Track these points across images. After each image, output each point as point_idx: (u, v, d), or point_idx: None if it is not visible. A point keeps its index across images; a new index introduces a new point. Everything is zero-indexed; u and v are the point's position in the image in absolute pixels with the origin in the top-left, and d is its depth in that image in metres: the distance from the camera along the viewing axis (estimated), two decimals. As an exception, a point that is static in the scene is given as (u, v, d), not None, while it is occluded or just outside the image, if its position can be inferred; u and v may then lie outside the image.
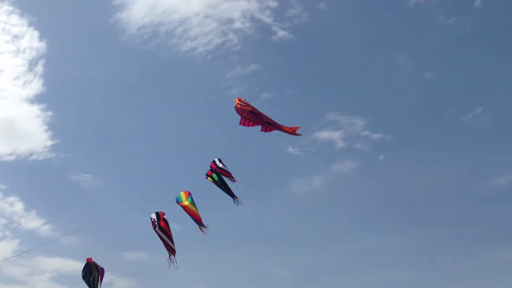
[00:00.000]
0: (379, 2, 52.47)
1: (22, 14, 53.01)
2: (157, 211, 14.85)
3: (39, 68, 53.30)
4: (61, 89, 58.04)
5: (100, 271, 15.45)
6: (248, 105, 14.73)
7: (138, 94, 58.06)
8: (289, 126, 14.85)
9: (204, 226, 14.75)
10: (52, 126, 55.86)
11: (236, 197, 15.04)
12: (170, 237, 14.77)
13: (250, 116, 14.68)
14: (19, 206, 61.81)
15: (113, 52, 56.09)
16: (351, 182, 53.86)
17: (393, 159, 51.26)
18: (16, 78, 54.29)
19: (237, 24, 49.95)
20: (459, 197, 45.36)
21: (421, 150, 49.98)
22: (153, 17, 51.62)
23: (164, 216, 14.84)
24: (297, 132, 14.81)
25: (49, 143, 59.26)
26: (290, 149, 52.07)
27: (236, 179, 14.95)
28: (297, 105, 55.14)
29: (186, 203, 14.79)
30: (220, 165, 14.99)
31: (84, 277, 15.29)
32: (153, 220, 14.69)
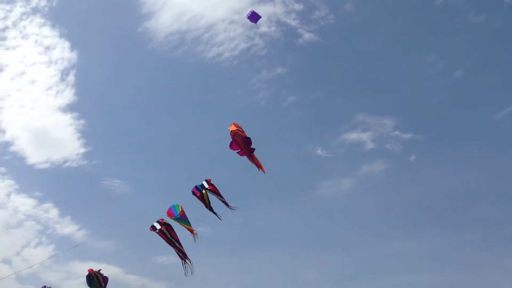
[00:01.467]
0: (406, 1, 51.46)
1: (53, 26, 54.56)
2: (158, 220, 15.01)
3: (71, 78, 54.79)
4: (92, 97, 59.39)
5: (103, 279, 15.73)
6: (243, 131, 15.38)
7: (166, 101, 58.73)
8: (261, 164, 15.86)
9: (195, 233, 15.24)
10: (84, 134, 57.33)
11: (230, 206, 15.71)
12: (177, 241, 15.18)
13: (242, 142, 15.27)
14: (54, 213, 63.13)
15: (142, 60, 57.04)
16: (381, 183, 52.87)
17: (425, 159, 49.88)
18: (49, 88, 55.85)
19: (263, 28, 49.74)
20: (494, 197, 43.68)
21: (453, 149, 48.40)
22: (180, 25, 52.06)
23: (164, 221, 15.03)
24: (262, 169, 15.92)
25: (82, 150, 60.66)
26: (319, 151, 51.66)
27: (231, 207, 15.68)
28: (324, 107, 54.61)
29: (179, 218, 15.11)
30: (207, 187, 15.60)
31: (90, 285, 15.62)
32: (157, 228, 14.89)
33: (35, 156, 60.52)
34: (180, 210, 15.21)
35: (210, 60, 53.37)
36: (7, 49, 54.88)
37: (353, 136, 48.31)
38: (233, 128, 15.37)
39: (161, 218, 14.97)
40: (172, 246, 15.10)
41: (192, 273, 14.95)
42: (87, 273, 15.69)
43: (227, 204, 15.78)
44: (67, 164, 57.11)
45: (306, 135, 53.92)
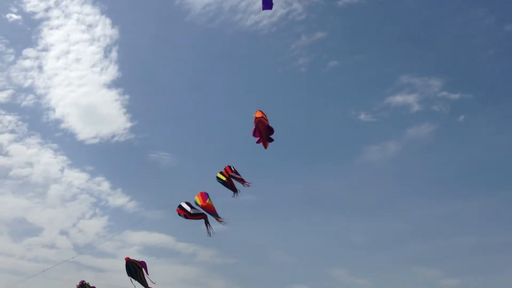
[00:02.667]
0: (450, -47, 48.31)
1: (94, 3, 55.33)
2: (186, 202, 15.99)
3: (114, 54, 55.82)
4: (135, 73, 60.40)
5: (142, 265, 16.01)
6: (267, 120, 15.50)
7: (207, 72, 58.94)
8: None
9: (220, 218, 15.87)
10: (130, 109, 58.97)
11: (236, 191, 16.31)
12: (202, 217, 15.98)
13: (264, 130, 15.37)
14: (106, 185, 65.90)
15: (181, 32, 57.13)
16: (429, 146, 51.42)
17: (474, 119, 47.81)
18: (94, 66, 57.20)
19: (301, -8, 48.41)
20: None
21: (505, 107, 46.00)
22: (216, -6, 51.72)
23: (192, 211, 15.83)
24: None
25: (129, 125, 62.54)
26: (362, 116, 50.67)
27: (249, 183, 16.26)
28: (367, 70, 53.10)
29: (206, 203, 15.84)
30: (232, 173, 16.22)
31: (130, 275, 15.84)
32: (184, 211, 15.81)
33: (85, 132, 62.97)
34: (200, 199, 15.96)
35: (248, 28, 52.73)
36: (51, 28, 55.92)
37: (398, 99, 46.92)
38: (258, 115, 15.46)
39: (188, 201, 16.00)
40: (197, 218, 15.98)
41: (213, 234, 15.96)
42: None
43: (243, 182, 16.36)
44: (115, 138, 59.34)
45: (349, 100, 52.98)
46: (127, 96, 53.91)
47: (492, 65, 46.52)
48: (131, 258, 15.94)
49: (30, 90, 56.03)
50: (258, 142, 15.74)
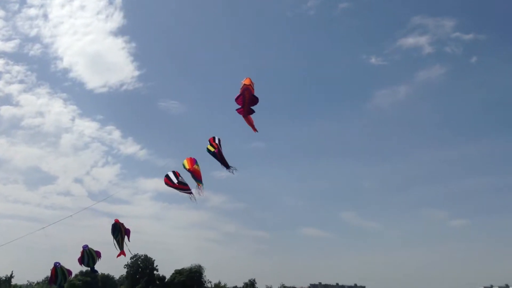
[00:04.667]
0: None
1: None
2: (173, 171, 16.88)
3: (118, 1, 54.52)
4: (140, 19, 59.48)
5: (126, 232, 17.57)
6: (253, 89, 15.33)
7: (215, 17, 57.87)
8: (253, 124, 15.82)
9: (201, 183, 16.68)
10: (137, 57, 58.72)
11: (229, 167, 16.62)
12: (185, 188, 16.84)
13: (248, 98, 15.16)
14: (116, 134, 69.52)
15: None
16: (440, 89, 51.46)
17: (488, 60, 47.66)
18: (99, 13, 56.35)
19: None
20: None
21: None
22: None
23: (180, 178, 16.79)
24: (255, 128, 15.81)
25: (136, 73, 63.07)
26: (373, 60, 50.17)
27: (231, 168, 16.55)
28: (378, 12, 52.46)
29: (194, 168, 16.65)
30: (217, 142, 16.59)
31: (113, 234, 17.52)
32: (171, 178, 16.72)
33: (93, 81, 63.59)
34: (188, 163, 16.73)
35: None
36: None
37: (410, 41, 46.59)
38: (247, 82, 15.31)
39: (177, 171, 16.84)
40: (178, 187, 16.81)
41: (195, 200, 16.65)
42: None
43: (227, 166, 16.69)
44: (124, 87, 59.49)
45: (359, 43, 52.86)
46: (133, 44, 53.33)
47: (507, 5, 46.22)
48: (119, 221, 17.52)
49: (36, 39, 54.89)
50: (238, 110, 15.45)
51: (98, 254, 18.55)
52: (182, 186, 16.80)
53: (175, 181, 16.65)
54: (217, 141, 16.74)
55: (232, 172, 16.74)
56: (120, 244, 17.61)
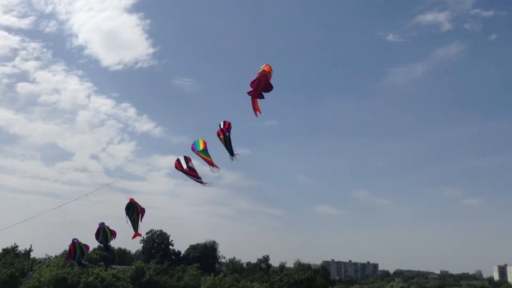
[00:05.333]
0: None
1: None
2: (185, 156, 16.76)
3: None
4: None
5: (141, 211, 17.44)
6: (270, 77, 15.32)
7: None
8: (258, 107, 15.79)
9: (215, 166, 16.52)
10: (152, 34, 58.62)
11: (234, 154, 16.55)
12: (194, 175, 16.76)
13: (264, 84, 15.15)
14: (132, 111, 70.48)
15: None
16: (458, 66, 50.16)
17: (508, 37, 46.13)
18: None
19: None
20: None
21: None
22: None
23: (190, 164, 16.70)
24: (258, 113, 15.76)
25: (151, 50, 63.15)
26: (390, 37, 48.92)
27: (235, 155, 16.52)
28: None
29: (200, 151, 16.53)
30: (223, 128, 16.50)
31: (127, 214, 17.29)
32: (181, 162, 16.62)
33: (108, 58, 63.88)
34: (202, 144, 16.60)
35: None
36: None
37: (428, 17, 45.26)
38: (267, 68, 15.37)
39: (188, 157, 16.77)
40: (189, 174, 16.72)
41: (209, 184, 16.60)
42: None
43: (231, 153, 16.63)
44: (139, 65, 59.60)
45: (377, 20, 51.47)
46: (148, 21, 53.24)
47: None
48: (135, 200, 17.26)
49: (52, 16, 55.06)
50: (249, 92, 15.46)
51: (113, 234, 18.55)
52: (191, 172, 16.77)
53: (185, 166, 16.63)
54: (222, 126, 16.77)
55: (236, 159, 16.72)
56: (136, 224, 17.49)
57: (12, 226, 18.63)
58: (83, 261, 19.41)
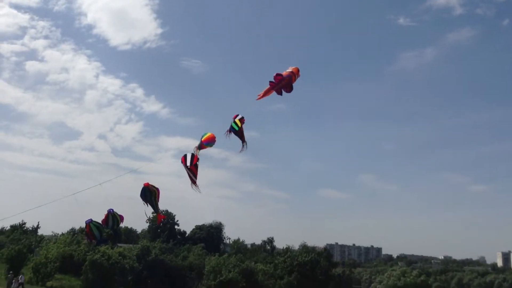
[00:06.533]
0: None
1: None
2: (192, 153, 16.53)
3: None
4: None
5: (157, 192, 17.25)
6: (294, 81, 15.15)
7: None
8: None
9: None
10: (160, 14, 58.29)
11: (244, 142, 16.46)
12: (195, 174, 16.49)
13: (286, 84, 14.96)
14: (139, 92, 70.77)
15: None
16: (469, 51, 49.40)
17: None
18: None
19: None
20: None
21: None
22: None
23: (197, 162, 16.45)
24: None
25: (159, 31, 62.97)
26: (401, 20, 48.21)
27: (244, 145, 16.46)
28: None
29: (203, 141, 16.55)
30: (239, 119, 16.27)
31: (145, 199, 17.12)
32: (187, 158, 16.37)
33: (117, 38, 63.64)
34: (208, 135, 16.62)
35: None
36: None
37: (440, 1, 44.55)
38: (295, 71, 15.25)
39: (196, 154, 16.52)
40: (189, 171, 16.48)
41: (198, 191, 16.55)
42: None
43: (243, 141, 16.52)
44: (147, 45, 59.43)
45: (387, 3, 50.79)
46: (157, 1, 52.97)
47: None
48: (150, 184, 17.02)
49: None
50: (271, 82, 15.18)
51: (121, 218, 18.57)
52: (194, 171, 16.61)
53: (189, 164, 16.47)
54: (239, 118, 16.67)
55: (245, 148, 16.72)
56: (156, 206, 17.37)
57: (35, 208, 18.60)
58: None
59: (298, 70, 15.37)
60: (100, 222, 18.31)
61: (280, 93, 15.29)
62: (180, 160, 16.72)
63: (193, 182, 16.62)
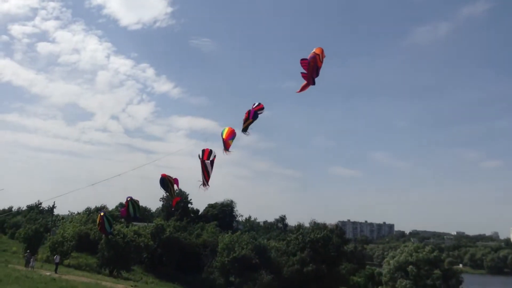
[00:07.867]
0: None
1: None
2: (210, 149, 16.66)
3: None
4: None
5: (174, 181, 18.13)
6: (321, 62, 14.65)
7: None
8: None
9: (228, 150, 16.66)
10: None
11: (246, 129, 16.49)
12: (209, 172, 16.67)
13: (312, 68, 14.52)
14: (150, 72, 70.77)
15: None
16: (484, 25, 48.25)
17: None
18: None
19: None
20: None
21: None
22: None
23: (212, 157, 16.59)
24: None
25: (169, 9, 62.43)
26: None
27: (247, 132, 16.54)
28: None
29: (226, 139, 16.61)
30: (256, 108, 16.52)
31: (163, 187, 18.12)
32: (204, 153, 16.53)
33: (127, 18, 63.35)
34: (227, 131, 16.70)
35: None
36: None
37: None
38: (318, 51, 14.59)
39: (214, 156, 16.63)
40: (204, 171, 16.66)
41: (206, 190, 16.82)
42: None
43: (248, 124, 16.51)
44: (157, 24, 59.03)
45: None
46: None
47: None
48: (167, 175, 18.02)
49: None
50: (303, 75, 14.90)
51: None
52: (207, 170, 16.71)
53: (206, 159, 16.56)
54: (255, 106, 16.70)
55: (247, 134, 16.73)
56: (172, 193, 18.65)
57: (66, 194, 19.30)
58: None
59: (322, 51, 14.68)
60: (126, 207, 19.11)
61: (313, 83, 14.99)
62: (201, 153, 16.56)
63: (207, 179, 16.75)
